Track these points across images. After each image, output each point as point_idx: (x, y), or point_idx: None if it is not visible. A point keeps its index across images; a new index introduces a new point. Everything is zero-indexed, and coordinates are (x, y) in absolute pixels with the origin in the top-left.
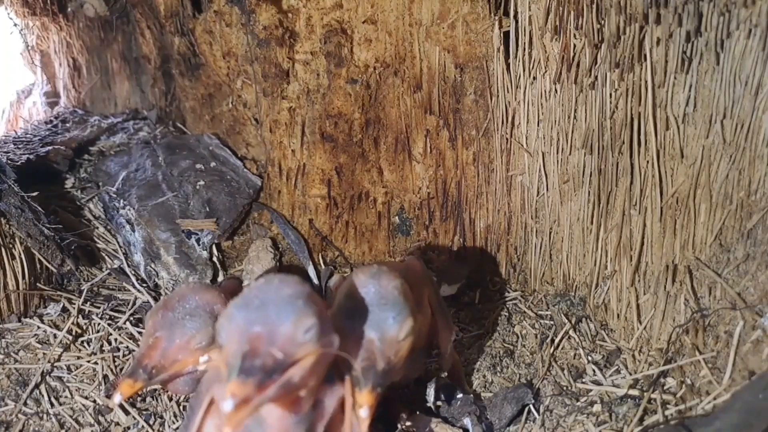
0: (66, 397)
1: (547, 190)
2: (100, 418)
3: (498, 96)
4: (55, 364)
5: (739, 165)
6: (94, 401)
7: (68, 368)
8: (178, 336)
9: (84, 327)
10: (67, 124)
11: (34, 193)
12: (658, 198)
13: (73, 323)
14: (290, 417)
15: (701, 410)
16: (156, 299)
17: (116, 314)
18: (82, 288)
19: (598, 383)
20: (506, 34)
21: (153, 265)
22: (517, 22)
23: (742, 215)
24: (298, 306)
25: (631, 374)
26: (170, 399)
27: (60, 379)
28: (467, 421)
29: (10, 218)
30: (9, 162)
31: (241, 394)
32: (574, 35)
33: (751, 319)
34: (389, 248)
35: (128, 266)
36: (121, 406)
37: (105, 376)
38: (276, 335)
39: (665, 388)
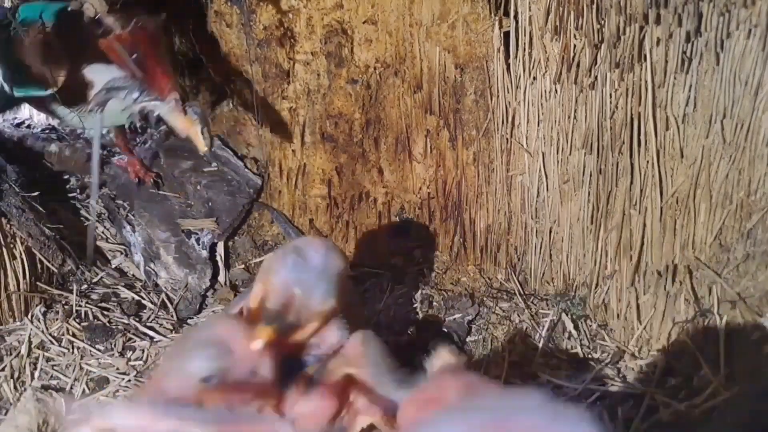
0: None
1: (547, 190)
2: None
3: (498, 96)
4: (55, 365)
5: (738, 165)
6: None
7: (67, 368)
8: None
9: (84, 326)
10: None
11: (35, 193)
12: (658, 198)
13: (73, 322)
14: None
15: (701, 410)
16: (155, 299)
17: (116, 314)
18: (83, 287)
19: (598, 383)
20: (506, 35)
21: (152, 265)
22: (517, 22)
23: (741, 215)
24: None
25: (631, 374)
26: None
27: (59, 378)
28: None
29: (11, 218)
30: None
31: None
32: (574, 35)
33: (751, 318)
34: (390, 248)
35: (129, 266)
36: None
37: (105, 378)
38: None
39: (666, 387)
